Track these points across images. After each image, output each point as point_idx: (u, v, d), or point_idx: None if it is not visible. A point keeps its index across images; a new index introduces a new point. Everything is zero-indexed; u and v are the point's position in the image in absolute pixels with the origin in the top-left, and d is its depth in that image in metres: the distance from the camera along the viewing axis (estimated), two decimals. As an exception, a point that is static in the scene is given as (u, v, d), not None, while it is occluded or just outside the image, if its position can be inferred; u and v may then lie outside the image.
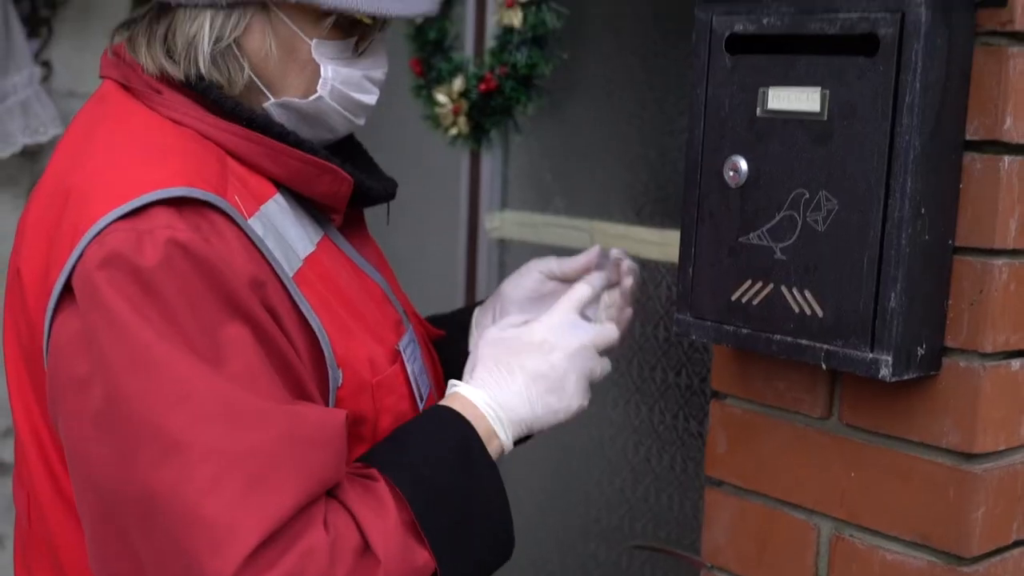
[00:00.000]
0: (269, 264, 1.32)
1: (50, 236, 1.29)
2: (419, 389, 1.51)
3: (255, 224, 1.33)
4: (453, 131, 2.56)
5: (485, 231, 2.67)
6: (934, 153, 1.18)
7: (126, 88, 1.40)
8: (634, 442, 2.30)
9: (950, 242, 1.24)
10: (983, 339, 1.24)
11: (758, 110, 1.28)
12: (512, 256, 2.69)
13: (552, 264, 1.68)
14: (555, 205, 2.54)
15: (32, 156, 3.14)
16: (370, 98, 1.48)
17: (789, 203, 1.26)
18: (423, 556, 1.28)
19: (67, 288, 1.24)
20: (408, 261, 2.86)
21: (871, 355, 1.19)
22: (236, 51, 1.40)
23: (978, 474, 1.24)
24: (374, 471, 1.31)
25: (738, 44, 1.31)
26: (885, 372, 1.18)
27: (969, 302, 1.23)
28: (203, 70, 1.38)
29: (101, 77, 1.45)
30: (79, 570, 1.35)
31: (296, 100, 1.42)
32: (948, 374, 1.26)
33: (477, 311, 1.77)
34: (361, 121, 1.50)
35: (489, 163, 2.65)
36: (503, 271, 2.69)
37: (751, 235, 1.30)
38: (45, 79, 3.20)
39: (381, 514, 1.27)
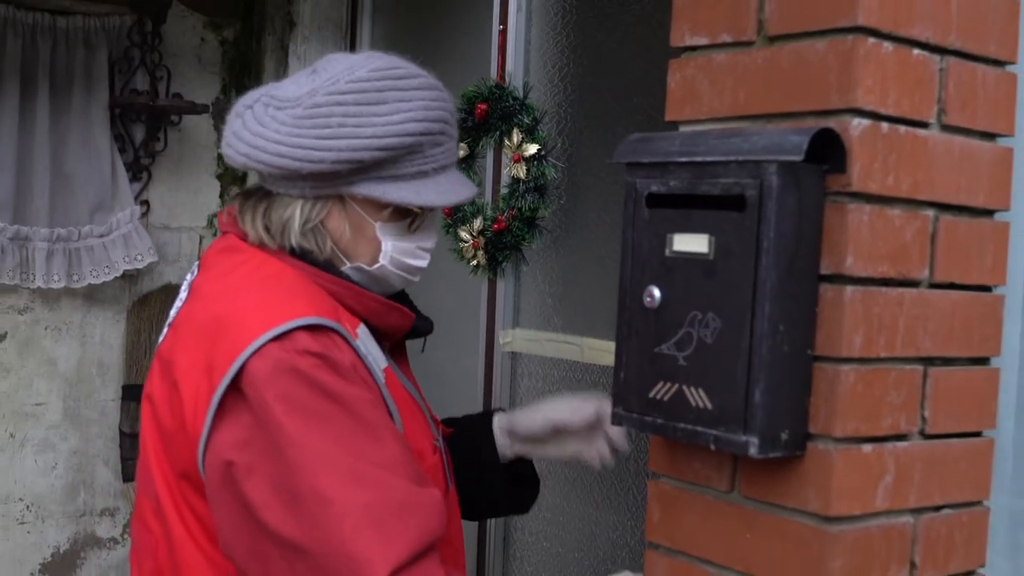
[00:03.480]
0: (370, 372, 1.60)
1: (207, 354, 1.55)
2: (449, 476, 1.76)
3: (359, 344, 1.61)
4: (474, 262, 2.81)
5: (500, 345, 2.90)
6: (789, 285, 1.39)
7: (245, 240, 1.67)
8: (614, 521, 2.51)
9: (809, 352, 1.44)
10: (834, 427, 1.42)
11: (666, 250, 1.49)
12: (522, 366, 2.91)
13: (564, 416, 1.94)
14: (554, 324, 2.76)
15: (131, 280, 3.41)
16: (421, 263, 1.74)
17: (688, 322, 1.46)
18: None
19: (231, 388, 1.51)
20: (437, 370, 3.08)
21: (744, 438, 1.39)
22: (321, 229, 1.67)
23: (834, 533, 1.42)
24: None
25: (653, 200, 1.52)
26: (753, 451, 1.39)
27: (824, 398, 1.43)
28: (294, 243, 1.65)
29: (223, 231, 1.72)
30: None
31: (365, 266, 1.69)
32: (811, 454, 1.44)
33: (502, 419, 2.00)
34: (416, 279, 1.76)
35: (503, 289, 2.88)
36: (514, 379, 2.91)
37: (663, 346, 1.50)
38: (144, 215, 3.44)
39: None
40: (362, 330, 1.66)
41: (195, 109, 3.45)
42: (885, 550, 1.50)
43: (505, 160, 2.84)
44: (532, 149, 2.68)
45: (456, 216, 2.84)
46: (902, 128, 1.48)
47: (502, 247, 2.73)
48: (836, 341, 1.44)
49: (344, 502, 1.47)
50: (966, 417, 1.61)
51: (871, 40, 1.43)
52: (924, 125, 1.51)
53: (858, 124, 1.42)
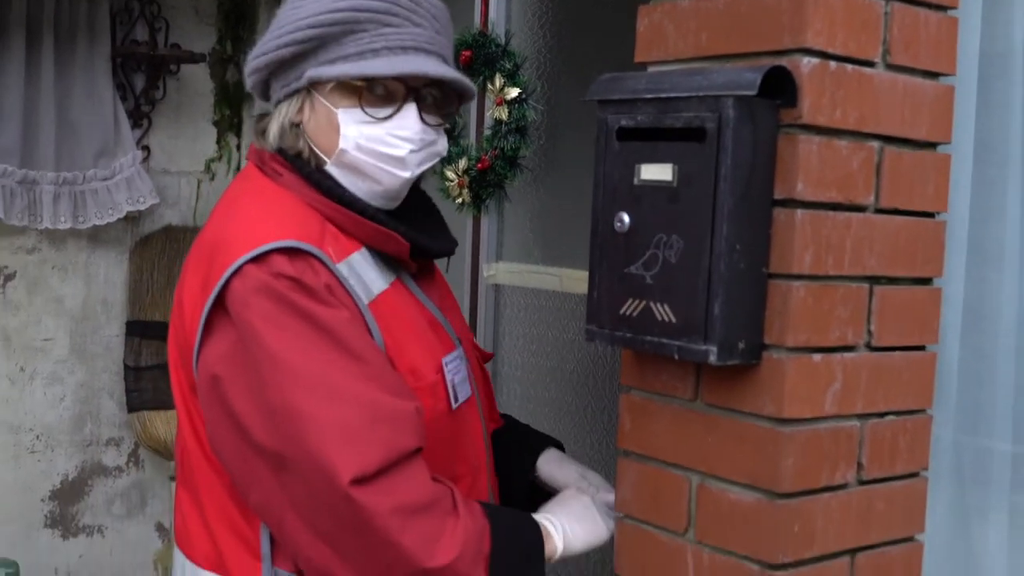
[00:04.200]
0: (349, 294, 1.65)
1: (205, 273, 1.63)
2: (455, 394, 1.79)
3: (342, 267, 1.66)
4: (459, 200, 2.89)
5: (484, 278, 2.99)
6: (745, 208, 1.48)
7: (260, 169, 1.75)
8: (591, 440, 2.63)
9: (764, 270, 1.53)
10: (787, 337, 1.52)
11: (635, 179, 1.58)
12: (505, 297, 3.01)
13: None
14: (535, 256, 2.85)
15: (133, 221, 3.47)
16: (398, 151, 1.70)
17: (654, 244, 1.55)
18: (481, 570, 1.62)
19: (215, 306, 1.60)
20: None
21: (704, 347, 1.49)
22: (298, 129, 1.72)
23: (787, 434, 1.52)
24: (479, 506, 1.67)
25: (623, 133, 1.60)
26: (712, 358, 1.48)
27: (778, 311, 1.53)
28: (274, 144, 1.72)
29: (248, 159, 1.80)
30: (210, 500, 1.70)
31: (339, 158, 1.71)
32: (766, 363, 1.54)
33: (546, 462, 2.07)
34: (404, 173, 1.73)
35: (487, 225, 2.97)
36: (498, 309, 3.01)
37: (631, 267, 1.58)
38: (145, 160, 3.47)
39: (474, 514, 1.64)
40: (360, 254, 1.71)
41: (193, 58, 3.48)
42: (834, 450, 1.61)
43: (488, 103, 2.90)
44: (513, 92, 2.75)
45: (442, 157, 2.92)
46: (849, 66, 1.57)
47: (486, 185, 2.81)
48: (788, 259, 1.53)
49: (315, 416, 1.53)
50: (909, 332, 1.71)
51: (820, -15, 1.53)
52: (870, 64, 1.60)
53: (808, 62, 1.52)
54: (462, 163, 2.86)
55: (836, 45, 1.55)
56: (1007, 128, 1.89)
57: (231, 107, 3.69)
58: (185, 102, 3.64)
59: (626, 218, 1.60)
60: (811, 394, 1.57)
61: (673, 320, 1.55)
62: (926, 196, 1.71)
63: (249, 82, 1.79)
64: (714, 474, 1.62)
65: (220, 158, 3.71)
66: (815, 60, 1.53)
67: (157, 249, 3.51)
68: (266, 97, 1.80)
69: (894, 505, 1.71)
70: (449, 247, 1.88)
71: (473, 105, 3.01)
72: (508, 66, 2.83)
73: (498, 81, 2.84)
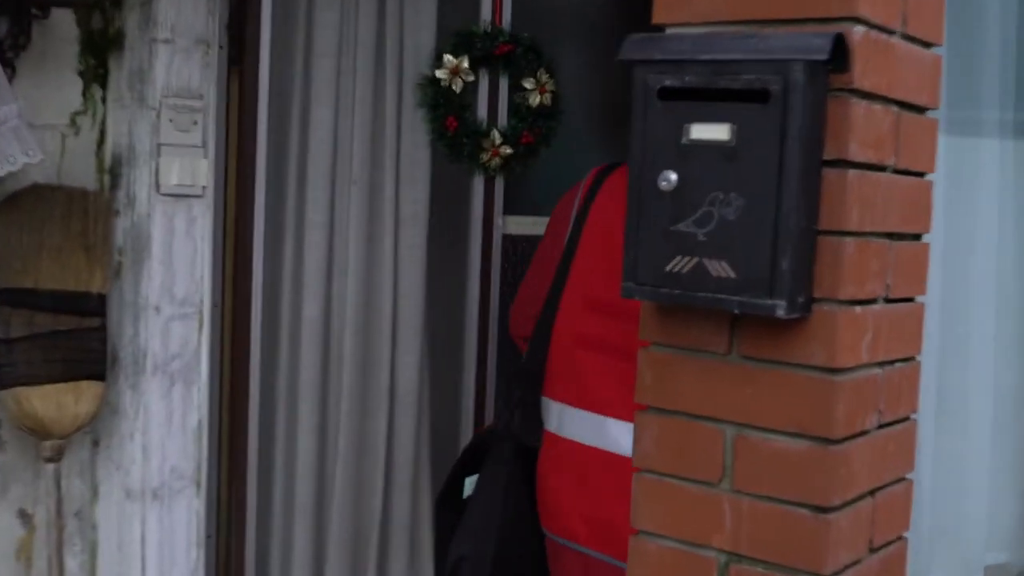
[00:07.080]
0: None
1: None
2: None
3: None
4: (491, 165, 3.70)
5: (497, 227, 3.80)
6: (807, 168, 1.51)
7: None
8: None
9: (815, 227, 1.56)
10: (839, 291, 1.56)
11: (683, 138, 1.58)
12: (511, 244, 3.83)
13: None
14: (543, 211, 3.26)
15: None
16: None
17: (708, 202, 1.56)
18: None
19: None
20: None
21: (770, 301, 1.51)
22: None
23: (838, 383, 1.57)
24: None
25: (667, 93, 1.60)
26: (781, 312, 1.51)
27: (829, 267, 1.56)
28: None
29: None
30: None
31: None
32: (817, 315, 1.57)
33: None
34: None
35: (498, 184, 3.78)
36: (505, 256, 3.87)
37: (680, 224, 1.59)
38: None
39: None
40: None
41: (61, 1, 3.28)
42: (866, 397, 1.67)
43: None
44: (551, 83, 3.61)
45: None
46: (883, 35, 1.62)
47: (523, 155, 3.64)
48: (840, 217, 1.58)
49: None
50: (909, 284, 1.79)
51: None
52: (893, 32, 1.65)
53: (859, 30, 1.56)
54: (496, 138, 3.61)
55: (877, 14, 1.59)
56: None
57: (96, 57, 3.45)
58: (49, 51, 3.35)
59: (673, 176, 1.60)
60: (853, 344, 1.62)
61: (732, 276, 1.56)
62: (923, 158, 1.79)
63: None
64: (753, 424, 1.65)
65: (85, 111, 3.46)
66: (863, 28, 1.56)
67: (26, 208, 3.23)
68: None
69: (899, 446, 1.79)
70: None
71: (486, 90, 3.70)
72: (546, 60, 3.59)
73: (543, 75, 3.62)
